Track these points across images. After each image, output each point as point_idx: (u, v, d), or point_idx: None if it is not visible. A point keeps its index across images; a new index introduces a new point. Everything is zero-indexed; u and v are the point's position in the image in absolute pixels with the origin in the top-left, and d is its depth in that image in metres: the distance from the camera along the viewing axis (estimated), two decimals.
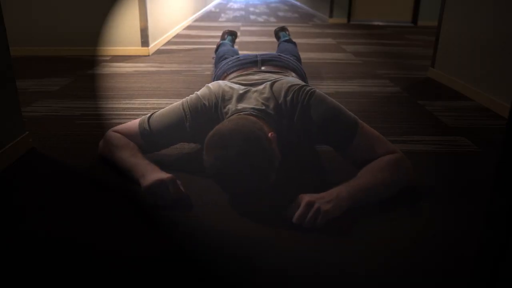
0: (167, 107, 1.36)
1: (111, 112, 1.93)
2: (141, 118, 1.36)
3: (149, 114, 1.35)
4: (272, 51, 3.34)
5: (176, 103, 1.35)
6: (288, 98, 1.28)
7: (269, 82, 1.34)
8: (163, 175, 1.16)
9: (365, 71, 2.87)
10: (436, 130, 1.78)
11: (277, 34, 2.91)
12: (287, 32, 2.87)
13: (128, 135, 1.34)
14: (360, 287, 0.87)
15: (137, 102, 2.08)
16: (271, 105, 1.27)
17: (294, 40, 2.77)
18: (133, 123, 1.36)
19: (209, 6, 8.38)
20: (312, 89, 1.29)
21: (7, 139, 1.40)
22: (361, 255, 0.96)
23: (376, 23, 5.88)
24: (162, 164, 1.29)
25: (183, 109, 1.31)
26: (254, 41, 4.08)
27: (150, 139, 1.32)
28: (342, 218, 1.07)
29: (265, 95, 1.30)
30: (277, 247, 0.98)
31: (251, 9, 8.50)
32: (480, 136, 1.71)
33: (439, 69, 2.67)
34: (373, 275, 0.90)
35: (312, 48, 3.74)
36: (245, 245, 0.99)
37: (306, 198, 1.06)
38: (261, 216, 1.11)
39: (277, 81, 1.35)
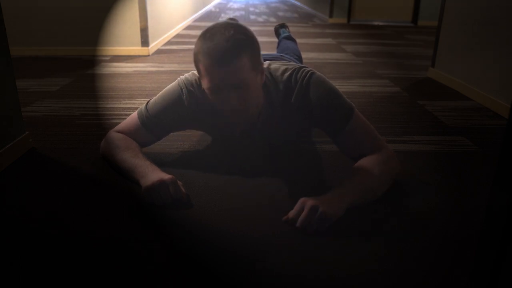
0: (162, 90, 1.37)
1: (111, 112, 1.93)
2: (138, 109, 1.37)
3: (146, 102, 1.36)
4: (272, 51, 3.34)
5: (172, 83, 1.36)
6: (287, 74, 1.27)
7: (266, 63, 1.35)
8: (164, 175, 1.16)
9: (365, 71, 2.87)
10: (436, 130, 1.78)
11: (277, 31, 2.91)
12: (287, 29, 2.87)
13: (129, 131, 1.34)
14: (359, 287, 0.87)
15: (137, 102, 2.08)
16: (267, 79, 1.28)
17: None
18: (132, 118, 1.37)
19: (209, 6, 8.38)
20: (312, 70, 1.29)
21: (7, 139, 1.40)
22: (360, 255, 0.96)
23: (376, 23, 5.88)
24: (162, 164, 1.29)
25: (179, 84, 1.32)
26: None
27: (152, 124, 1.32)
28: (340, 219, 1.07)
29: None
30: (277, 247, 0.98)
31: (251, 9, 8.50)
32: (480, 136, 1.71)
33: (439, 69, 2.67)
34: (373, 275, 0.90)
35: (312, 48, 3.74)
36: (245, 245, 0.99)
37: (309, 202, 1.04)
38: (262, 215, 1.11)
39: (275, 62, 1.35)
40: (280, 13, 7.46)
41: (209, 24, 1.21)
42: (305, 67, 1.30)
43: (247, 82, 1.15)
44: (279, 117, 1.31)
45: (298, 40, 3.57)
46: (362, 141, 1.24)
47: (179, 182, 1.17)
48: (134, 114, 1.36)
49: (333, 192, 1.10)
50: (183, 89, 1.30)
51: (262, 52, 1.34)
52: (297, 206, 1.05)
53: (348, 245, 1.00)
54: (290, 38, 2.61)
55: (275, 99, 1.28)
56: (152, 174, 1.17)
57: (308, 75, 1.26)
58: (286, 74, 1.27)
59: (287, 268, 0.92)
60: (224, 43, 1.10)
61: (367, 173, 1.16)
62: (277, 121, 1.33)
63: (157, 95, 1.35)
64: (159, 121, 1.32)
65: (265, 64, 1.33)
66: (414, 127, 1.81)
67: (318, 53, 3.49)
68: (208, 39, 1.13)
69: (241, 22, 6.14)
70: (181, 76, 1.34)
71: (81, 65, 2.89)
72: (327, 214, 1.02)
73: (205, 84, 1.18)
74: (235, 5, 9.51)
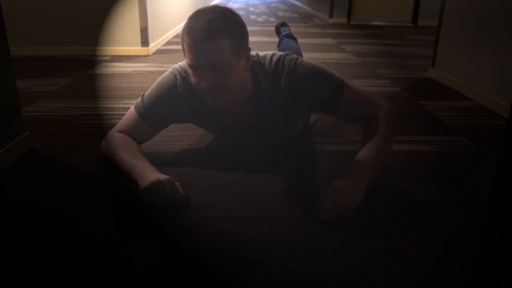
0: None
1: (111, 112, 1.93)
2: (134, 103, 1.37)
3: (142, 94, 1.37)
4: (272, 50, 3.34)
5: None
6: (274, 60, 1.31)
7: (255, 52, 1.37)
8: (161, 176, 1.16)
9: (365, 71, 2.87)
10: (436, 130, 1.78)
11: (278, 29, 2.91)
12: (287, 28, 2.87)
13: (128, 126, 1.35)
14: (359, 287, 0.87)
15: None
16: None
17: None
18: (130, 112, 1.37)
19: None
20: (297, 56, 1.33)
21: (7, 139, 1.40)
22: (360, 255, 0.96)
23: (376, 23, 5.88)
24: (162, 164, 1.29)
25: (173, 71, 1.34)
26: (254, 41, 4.08)
27: (149, 114, 1.33)
28: (340, 219, 1.07)
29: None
30: (277, 247, 0.98)
31: (251, 9, 8.50)
32: (480, 136, 1.71)
33: (439, 69, 2.67)
34: (373, 275, 0.90)
35: (312, 48, 3.74)
36: (245, 245, 0.99)
37: (332, 193, 1.09)
38: (262, 215, 1.11)
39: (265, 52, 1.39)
40: (280, 13, 7.46)
41: None
42: (290, 54, 1.33)
43: (227, 65, 1.16)
44: (271, 106, 1.32)
45: (298, 40, 3.58)
46: (360, 107, 1.30)
47: (177, 183, 1.17)
48: (132, 108, 1.37)
49: (351, 176, 1.14)
50: (177, 76, 1.32)
51: (263, 52, 1.35)
52: (321, 197, 1.10)
53: (348, 245, 1.00)
54: (290, 36, 2.61)
55: (265, 85, 1.30)
56: (150, 175, 1.17)
57: (293, 59, 1.30)
58: (274, 60, 1.31)
59: (287, 268, 0.92)
60: (205, 24, 1.13)
61: (380, 140, 1.21)
62: (271, 111, 1.34)
63: (152, 85, 1.37)
64: (155, 110, 1.33)
65: (254, 52, 1.35)
66: (414, 127, 1.81)
67: (318, 53, 3.49)
68: (193, 19, 1.16)
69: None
70: (174, 65, 1.36)
71: (81, 65, 2.89)
72: (349, 205, 1.08)
73: (187, 62, 1.20)
74: (235, 5, 9.51)
